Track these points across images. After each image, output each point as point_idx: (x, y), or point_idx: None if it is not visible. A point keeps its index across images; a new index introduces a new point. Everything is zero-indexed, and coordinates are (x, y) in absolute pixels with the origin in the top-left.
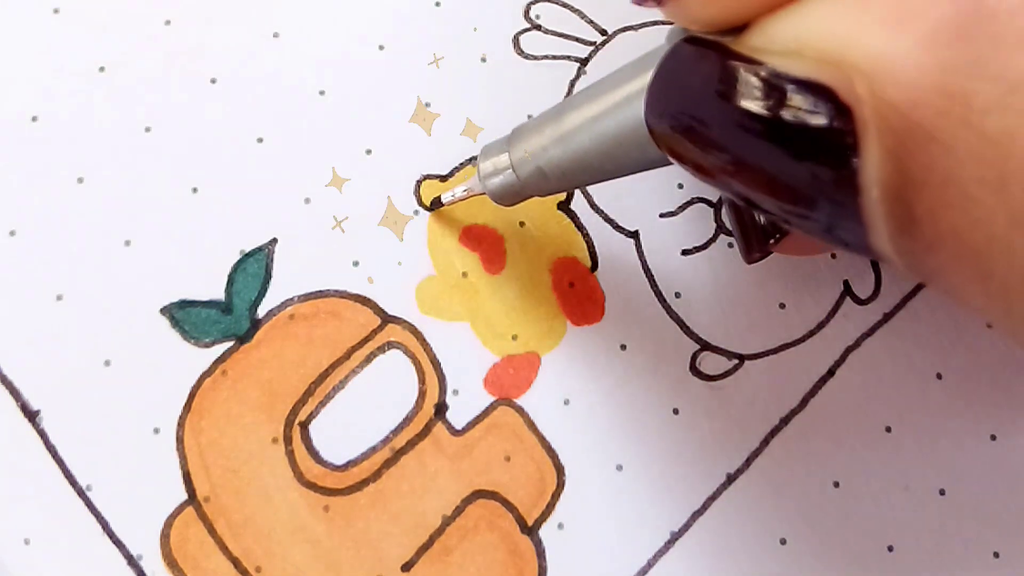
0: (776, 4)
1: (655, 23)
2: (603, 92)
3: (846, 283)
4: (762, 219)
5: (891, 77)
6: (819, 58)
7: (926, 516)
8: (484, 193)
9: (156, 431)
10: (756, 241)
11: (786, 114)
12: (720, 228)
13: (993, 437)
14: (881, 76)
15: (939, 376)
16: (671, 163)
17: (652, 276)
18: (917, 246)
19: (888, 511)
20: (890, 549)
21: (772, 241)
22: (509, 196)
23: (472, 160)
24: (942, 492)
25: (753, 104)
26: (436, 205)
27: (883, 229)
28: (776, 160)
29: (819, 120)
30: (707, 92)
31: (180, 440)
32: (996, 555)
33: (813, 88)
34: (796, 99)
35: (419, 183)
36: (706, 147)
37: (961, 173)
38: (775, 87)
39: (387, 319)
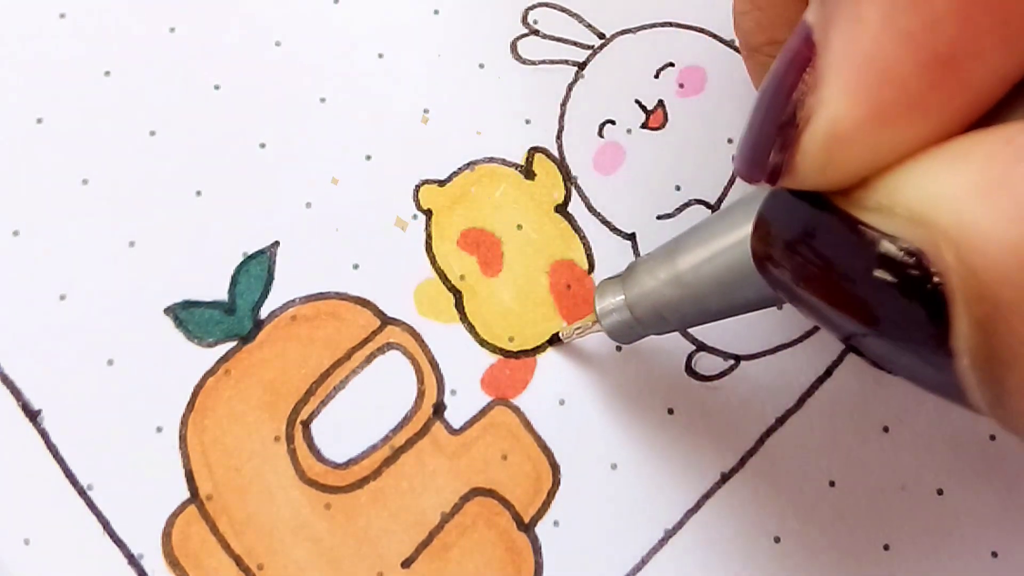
0: (881, 170)
1: (653, 25)
2: (712, 236)
3: None
4: None
5: (978, 247)
6: (909, 217)
7: (923, 516)
8: (602, 331)
9: (159, 430)
10: None
11: (878, 272)
12: None
13: (992, 437)
14: (968, 245)
15: None
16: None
17: None
18: (1009, 415)
19: (885, 510)
20: (886, 548)
21: None
22: (628, 334)
23: (470, 165)
24: (940, 492)
25: (846, 258)
26: (555, 341)
27: (977, 394)
28: (870, 314)
29: (909, 282)
30: (806, 240)
31: (183, 438)
32: (994, 555)
33: (903, 248)
34: (887, 258)
35: (418, 188)
36: (811, 293)
37: None
38: (868, 242)
39: (386, 321)
